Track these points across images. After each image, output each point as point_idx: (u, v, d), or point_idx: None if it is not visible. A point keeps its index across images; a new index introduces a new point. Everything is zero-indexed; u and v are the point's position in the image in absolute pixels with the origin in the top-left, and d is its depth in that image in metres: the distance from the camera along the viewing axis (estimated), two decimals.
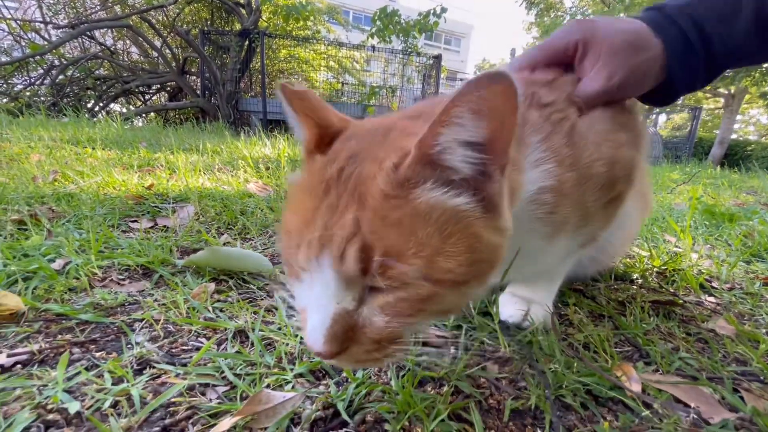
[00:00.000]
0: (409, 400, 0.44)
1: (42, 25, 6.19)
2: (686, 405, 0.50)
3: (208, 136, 3.64)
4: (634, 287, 0.90)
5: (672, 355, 0.61)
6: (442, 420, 0.42)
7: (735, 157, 9.28)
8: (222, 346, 0.55)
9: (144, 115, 6.45)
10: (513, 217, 0.46)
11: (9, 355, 0.47)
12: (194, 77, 6.96)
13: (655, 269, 1.00)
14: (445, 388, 0.49)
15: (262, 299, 0.69)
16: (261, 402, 0.41)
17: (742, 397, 0.52)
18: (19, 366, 0.47)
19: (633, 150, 0.57)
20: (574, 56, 0.58)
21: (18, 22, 6.12)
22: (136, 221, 1.06)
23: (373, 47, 7.08)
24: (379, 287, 0.34)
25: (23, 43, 6.13)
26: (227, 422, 0.38)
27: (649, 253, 1.07)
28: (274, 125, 6.53)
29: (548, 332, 0.63)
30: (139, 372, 0.47)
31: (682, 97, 0.65)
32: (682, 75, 0.58)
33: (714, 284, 0.95)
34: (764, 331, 0.73)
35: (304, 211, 0.36)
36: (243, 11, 6.46)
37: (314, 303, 0.36)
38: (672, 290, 0.89)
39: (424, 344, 0.59)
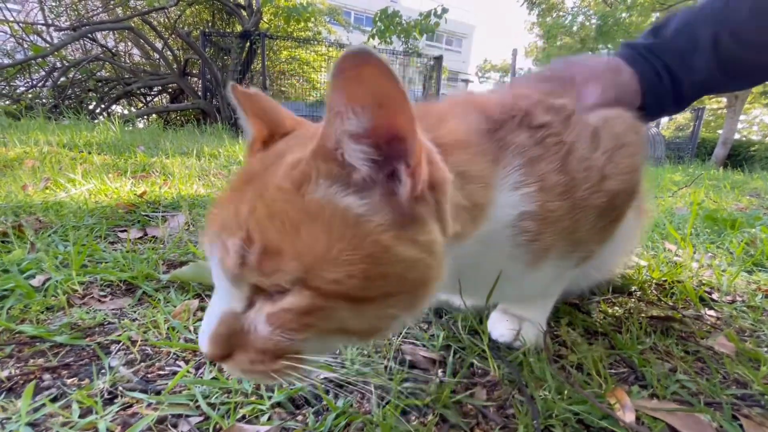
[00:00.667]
0: None
1: (44, 28, 6.21)
2: None
3: (207, 139, 3.63)
4: (632, 301, 0.88)
5: (669, 378, 0.59)
6: None
7: (738, 157, 9.21)
8: (200, 371, 0.53)
9: (146, 116, 6.46)
10: (489, 241, 0.44)
11: None
12: (195, 79, 6.96)
13: (654, 281, 0.97)
14: (430, 417, 0.47)
15: None
16: None
17: (741, 425, 0.50)
18: None
19: (637, 172, 0.55)
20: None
21: (20, 24, 6.15)
22: (125, 231, 1.05)
23: (374, 48, 7.06)
24: (267, 293, 0.32)
25: (25, 46, 6.15)
26: None
27: (649, 263, 1.05)
28: None
29: (540, 353, 0.61)
30: (109, 401, 0.46)
31: None
32: (652, 103, 0.64)
33: (714, 296, 0.93)
34: (765, 349, 0.70)
35: (219, 204, 0.35)
36: (244, 13, 6.46)
37: (211, 302, 0.35)
38: (671, 303, 0.87)
39: (411, 367, 0.57)
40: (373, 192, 0.32)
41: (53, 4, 6.29)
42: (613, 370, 0.62)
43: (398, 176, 0.32)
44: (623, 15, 9.17)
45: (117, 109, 6.76)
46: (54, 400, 0.45)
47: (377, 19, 6.20)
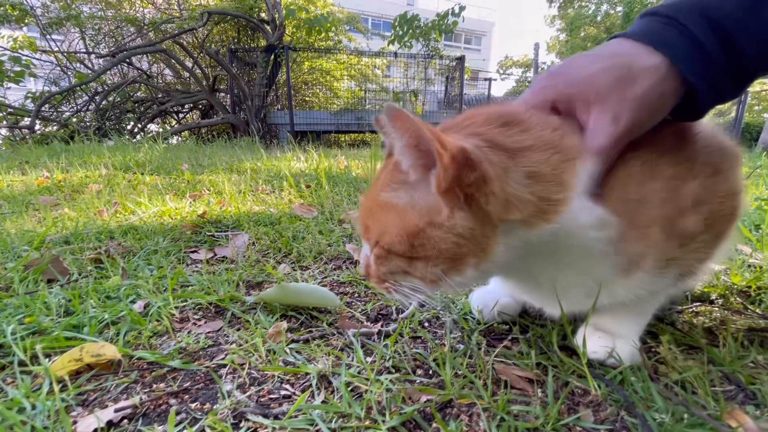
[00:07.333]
0: None
1: (86, 55, 6.62)
2: None
3: (243, 152, 3.75)
4: (716, 310, 0.84)
5: None
6: None
7: None
8: (307, 394, 0.55)
9: (179, 133, 6.75)
10: (573, 237, 0.47)
11: (116, 410, 0.49)
12: (223, 94, 7.22)
13: (736, 287, 0.92)
14: None
15: (332, 336, 0.69)
16: None
17: None
18: (125, 421, 0.49)
19: (734, 199, 0.53)
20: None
21: (64, 53, 6.58)
22: (195, 251, 1.10)
23: (395, 54, 7.09)
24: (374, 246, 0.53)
25: (69, 73, 6.58)
26: None
27: (726, 267, 1.00)
28: (301, 136, 6.68)
29: (640, 370, 0.59)
30: (236, 426, 0.48)
31: None
32: (704, 89, 0.46)
33: None
34: None
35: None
36: (268, 28, 6.65)
37: (363, 249, 0.56)
38: (760, 312, 0.83)
39: (509, 387, 0.57)
40: (418, 189, 0.45)
41: (92, 32, 6.71)
42: (717, 388, 0.59)
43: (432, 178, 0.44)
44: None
45: (152, 127, 7.10)
46: (189, 425, 0.48)
47: (396, 24, 6.21)
